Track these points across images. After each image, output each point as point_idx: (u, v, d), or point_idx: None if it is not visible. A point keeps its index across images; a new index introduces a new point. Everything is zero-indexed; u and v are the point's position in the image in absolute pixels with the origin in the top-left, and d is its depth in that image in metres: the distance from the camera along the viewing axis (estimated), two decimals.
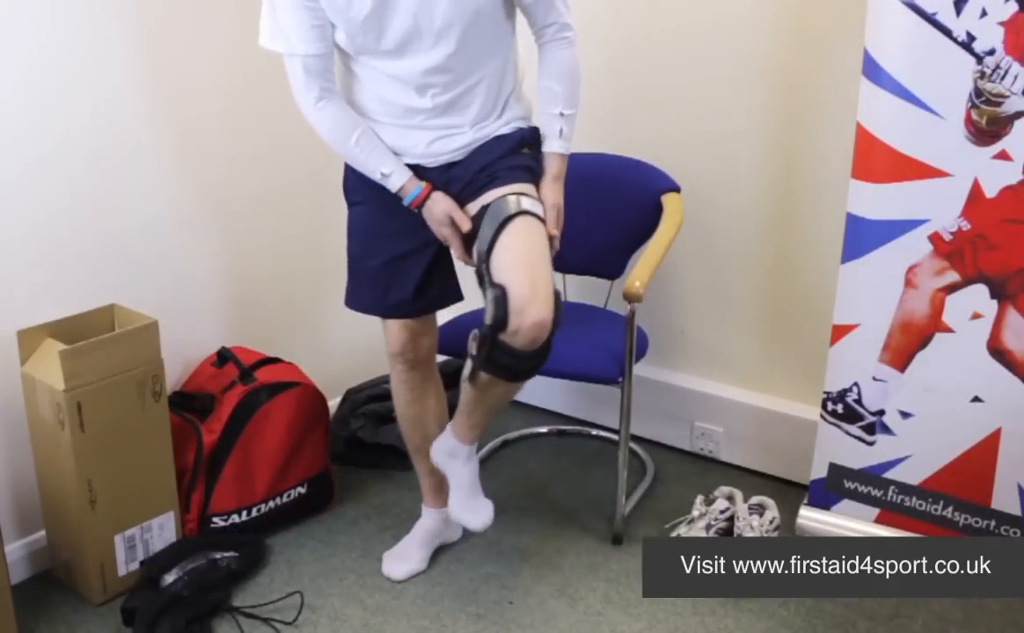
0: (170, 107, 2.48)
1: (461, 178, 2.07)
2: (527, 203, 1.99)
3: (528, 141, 2.11)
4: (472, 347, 1.98)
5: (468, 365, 2.06)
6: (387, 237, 2.14)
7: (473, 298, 2.24)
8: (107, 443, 2.22)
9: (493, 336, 1.93)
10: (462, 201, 2.08)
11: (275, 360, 2.60)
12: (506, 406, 2.24)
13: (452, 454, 2.24)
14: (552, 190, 2.09)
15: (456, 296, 2.25)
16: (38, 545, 2.38)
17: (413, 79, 1.97)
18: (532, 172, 2.09)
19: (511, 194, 2.00)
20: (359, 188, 2.13)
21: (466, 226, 2.03)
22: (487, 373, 2.01)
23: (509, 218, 1.96)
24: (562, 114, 2.07)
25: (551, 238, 2.05)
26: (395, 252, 2.15)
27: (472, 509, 2.23)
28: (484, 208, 2.01)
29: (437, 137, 2.05)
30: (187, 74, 2.49)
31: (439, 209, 2.05)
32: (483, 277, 1.97)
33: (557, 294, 1.97)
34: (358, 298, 2.24)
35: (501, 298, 1.90)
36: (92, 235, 2.36)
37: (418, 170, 2.08)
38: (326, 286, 2.61)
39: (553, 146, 2.10)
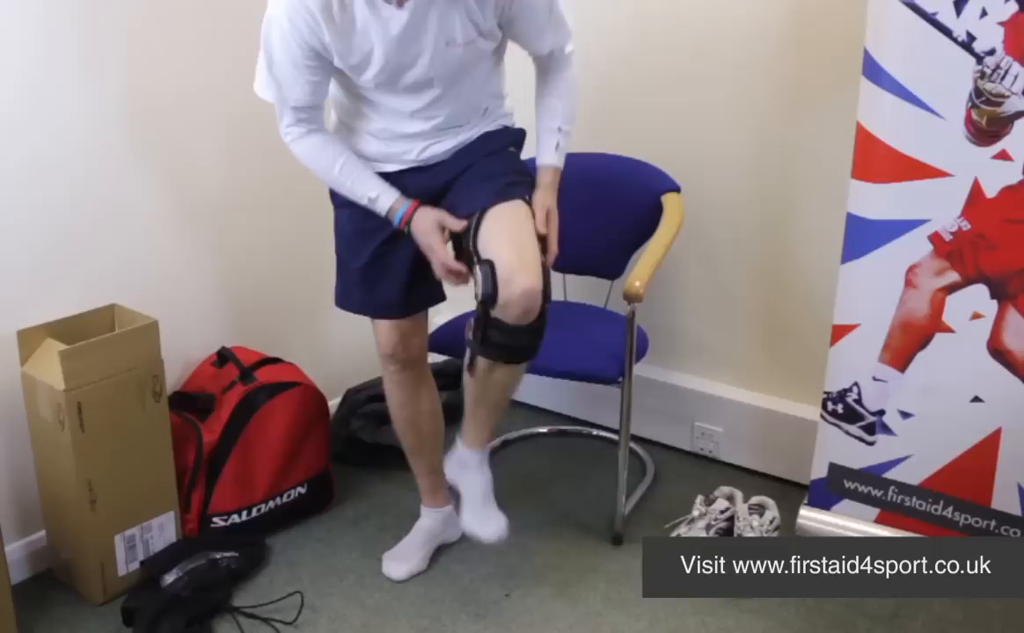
0: (171, 107, 2.48)
1: (448, 171, 2.10)
2: (511, 190, 2.02)
3: (514, 140, 2.16)
4: (468, 333, 2.00)
5: (467, 355, 2.06)
6: (371, 236, 2.14)
7: (457, 300, 2.30)
8: (107, 443, 2.22)
9: (485, 313, 1.93)
10: (449, 195, 2.10)
11: (275, 360, 2.60)
12: (508, 401, 2.21)
13: (463, 464, 2.24)
14: (543, 195, 2.09)
15: (440, 296, 2.26)
16: (38, 545, 2.38)
17: (413, 112, 2.03)
18: (518, 173, 2.10)
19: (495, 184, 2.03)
20: None
21: (458, 226, 2.02)
22: (485, 357, 2.01)
23: (492, 202, 1.98)
24: (560, 129, 2.10)
25: (546, 241, 2.04)
26: (379, 251, 2.15)
27: (484, 520, 2.22)
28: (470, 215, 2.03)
29: (427, 145, 2.09)
30: (189, 74, 2.49)
31: (429, 220, 2.04)
32: (471, 258, 1.96)
33: (546, 269, 1.97)
34: (347, 298, 2.26)
35: (489, 272, 1.90)
36: (92, 235, 2.36)
37: (405, 171, 2.11)
38: (326, 286, 2.59)
39: (548, 159, 2.11)
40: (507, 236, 1.94)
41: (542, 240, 2.02)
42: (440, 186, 2.12)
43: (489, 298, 1.90)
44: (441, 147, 2.10)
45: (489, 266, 1.90)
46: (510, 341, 1.96)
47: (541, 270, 1.93)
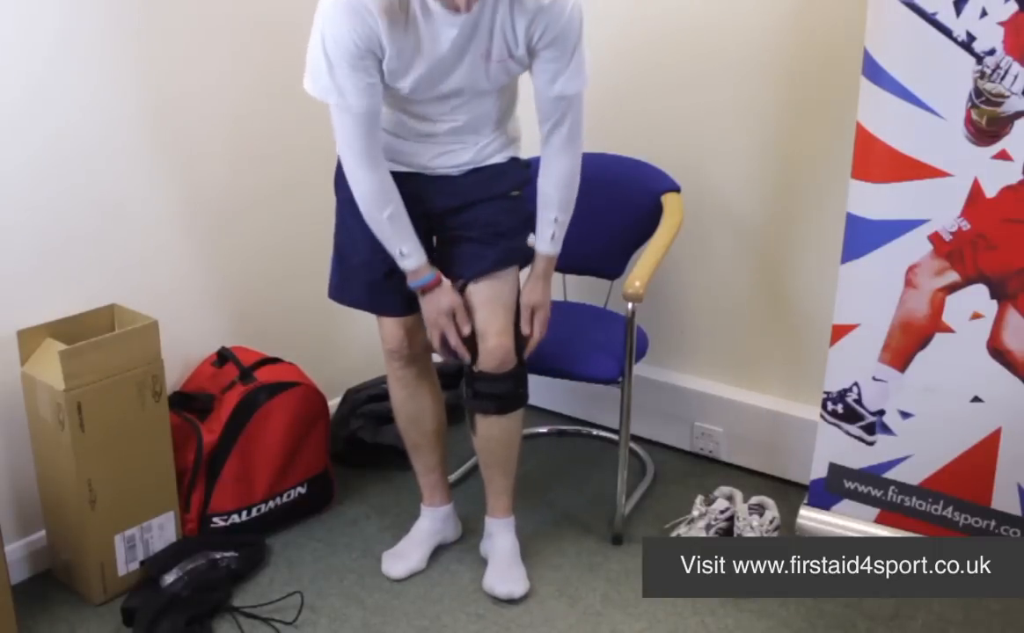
0: (171, 107, 2.48)
1: (453, 195, 2.16)
2: (504, 261, 2.17)
3: (521, 182, 2.22)
4: (465, 396, 2.25)
5: (468, 420, 2.28)
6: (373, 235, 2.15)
7: None
8: (107, 443, 2.22)
9: (470, 370, 2.19)
10: (446, 225, 2.19)
11: (275, 360, 2.60)
12: (515, 463, 2.34)
13: (489, 534, 2.41)
14: (533, 289, 2.23)
15: None
16: (38, 545, 2.38)
17: (437, 116, 2.07)
18: (518, 235, 2.20)
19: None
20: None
21: (466, 330, 2.16)
22: (480, 411, 2.23)
23: (485, 273, 2.16)
24: (556, 220, 2.19)
25: (527, 338, 2.23)
26: (381, 250, 2.16)
27: (503, 579, 2.32)
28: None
29: (440, 153, 2.13)
30: (189, 75, 2.49)
31: (445, 302, 2.15)
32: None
33: (518, 329, 2.20)
34: (343, 291, 2.28)
35: (469, 335, 2.16)
36: (92, 235, 2.36)
37: (413, 176, 2.13)
38: (326, 286, 2.60)
39: (543, 248, 2.22)
40: (486, 304, 2.16)
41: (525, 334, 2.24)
42: (443, 209, 2.17)
43: (471, 357, 2.18)
44: (452, 159, 2.14)
45: (469, 328, 2.16)
46: (494, 389, 2.19)
47: (512, 329, 2.18)
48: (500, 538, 2.37)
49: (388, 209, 2.06)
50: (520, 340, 2.21)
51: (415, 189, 2.12)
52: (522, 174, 2.23)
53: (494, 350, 2.15)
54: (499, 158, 2.19)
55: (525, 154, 2.27)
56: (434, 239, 2.25)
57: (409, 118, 2.08)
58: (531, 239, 2.22)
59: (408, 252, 2.10)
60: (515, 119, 2.22)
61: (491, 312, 2.15)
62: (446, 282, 2.15)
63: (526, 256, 2.23)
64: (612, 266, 2.73)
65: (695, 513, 2.44)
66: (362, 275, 2.21)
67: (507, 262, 2.18)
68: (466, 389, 2.24)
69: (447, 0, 1.81)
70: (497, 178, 2.19)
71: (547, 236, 2.20)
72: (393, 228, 2.08)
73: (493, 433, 2.26)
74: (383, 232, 2.09)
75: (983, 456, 2.28)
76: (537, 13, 1.92)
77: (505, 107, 2.16)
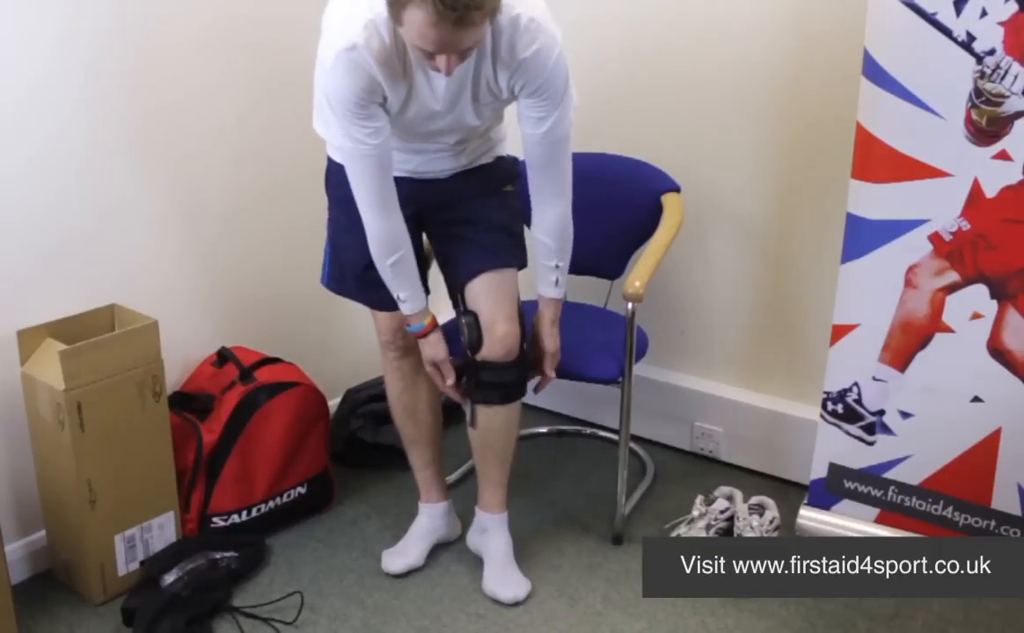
0: (171, 108, 2.47)
1: (441, 193, 2.18)
2: (502, 261, 2.19)
3: (510, 177, 2.24)
4: (465, 391, 2.24)
5: (468, 413, 2.26)
6: (362, 232, 2.15)
7: (447, 301, 2.34)
8: (107, 443, 2.22)
9: (473, 358, 2.17)
10: (437, 220, 2.21)
11: (275, 360, 2.60)
12: (510, 454, 2.34)
13: (483, 529, 2.39)
14: (551, 336, 2.27)
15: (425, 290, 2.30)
16: (38, 545, 2.38)
17: (426, 140, 2.10)
18: (511, 233, 2.23)
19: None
20: (342, 183, 2.14)
21: (450, 380, 2.21)
22: (483, 402, 2.21)
23: (483, 269, 2.17)
24: (557, 266, 2.21)
25: (543, 378, 2.30)
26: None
27: (503, 582, 2.32)
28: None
29: (429, 160, 2.16)
30: (188, 76, 2.49)
31: (430, 353, 2.20)
32: (457, 306, 2.21)
33: (522, 313, 2.21)
34: (340, 284, 2.31)
35: (473, 322, 2.16)
36: (92, 235, 2.36)
37: (402, 179, 2.14)
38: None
39: (549, 293, 2.26)
40: (491, 292, 2.16)
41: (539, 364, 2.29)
42: (433, 205, 2.19)
43: (474, 344, 2.16)
44: (440, 164, 2.16)
45: (473, 317, 2.16)
46: (500, 378, 2.19)
47: (517, 317, 2.18)
48: (495, 536, 2.36)
49: (394, 257, 2.08)
50: (523, 326, 2.22)
51: (404, 191, 2.12)
52: (511, 169, 2.25)
53: (503, 338, 2.15)
54: (486, 159, 2.21)
55: (509, 154, 2.28)
56: (424, 236, 2.27)
57: (404, 139, 2.10)
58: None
59: (406, 298, 2.14)
60: (502, 125, 2.23)
61: (496, 301, 2.16)
62: (434, 335, 2.18)
63: (522, 260, 2.24)
64: (612, 266, 2.73)
65: (695, 513, 2.45)
66: (355, 270, 2.22)
67: (505, 264, 2.19)
68: (468, 380, 2.23)
69: (430, 64, 1.83)
70: (487, 177, 2.21)
71: (551, 281, 2.22)
72: (395, 273, 2.10)
73: (494, 424, 2.26)
74: (385, 276, 2.12)
75: (983, 456, 2.28)
76: (518, 67, 1.93)
77: (492, 121, 2.17)
